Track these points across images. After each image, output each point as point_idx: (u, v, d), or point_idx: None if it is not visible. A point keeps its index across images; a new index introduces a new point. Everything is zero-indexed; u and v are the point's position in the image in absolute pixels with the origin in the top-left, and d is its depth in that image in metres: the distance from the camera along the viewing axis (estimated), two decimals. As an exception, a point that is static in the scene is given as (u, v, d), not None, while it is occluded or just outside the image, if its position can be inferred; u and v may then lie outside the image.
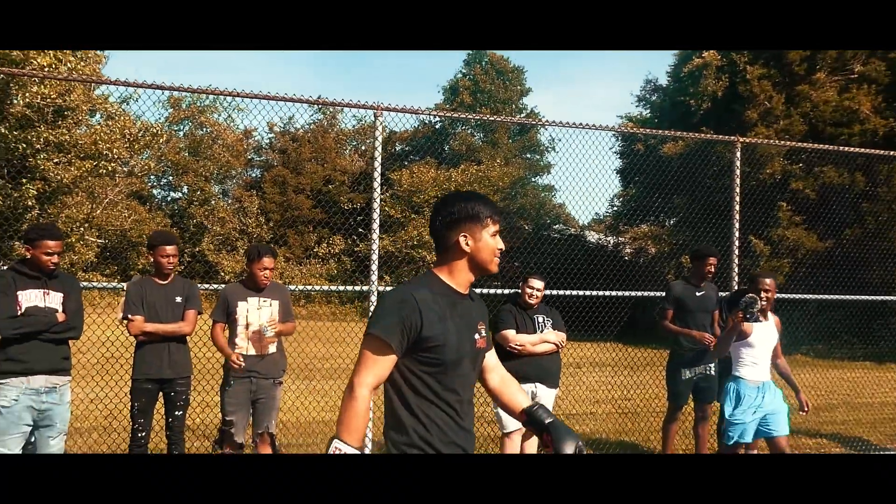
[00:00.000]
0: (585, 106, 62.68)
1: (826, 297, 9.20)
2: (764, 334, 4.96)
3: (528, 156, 34.06)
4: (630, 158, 24.44)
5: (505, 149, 32.54)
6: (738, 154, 6.32)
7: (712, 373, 5.84)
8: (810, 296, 8.72)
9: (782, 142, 8.95)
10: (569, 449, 2.25)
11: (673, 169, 16.67)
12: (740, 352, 4.97)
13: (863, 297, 9.25)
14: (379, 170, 5.79)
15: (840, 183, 17.14)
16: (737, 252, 6.33)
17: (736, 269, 6.28)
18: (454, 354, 2.27)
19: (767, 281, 5.00)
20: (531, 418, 2.43)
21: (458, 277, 2.36)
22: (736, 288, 6.30)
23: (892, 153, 9.65)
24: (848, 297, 8.89)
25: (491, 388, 2.57)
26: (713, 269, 5.73)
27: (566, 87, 64.82)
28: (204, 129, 32.61)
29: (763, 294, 4.89)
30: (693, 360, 5.80)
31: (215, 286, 5.92)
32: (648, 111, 26.51)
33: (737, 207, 6.22)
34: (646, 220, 23.85)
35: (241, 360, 4.85)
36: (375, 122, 5.79)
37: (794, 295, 8.17)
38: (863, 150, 11.11)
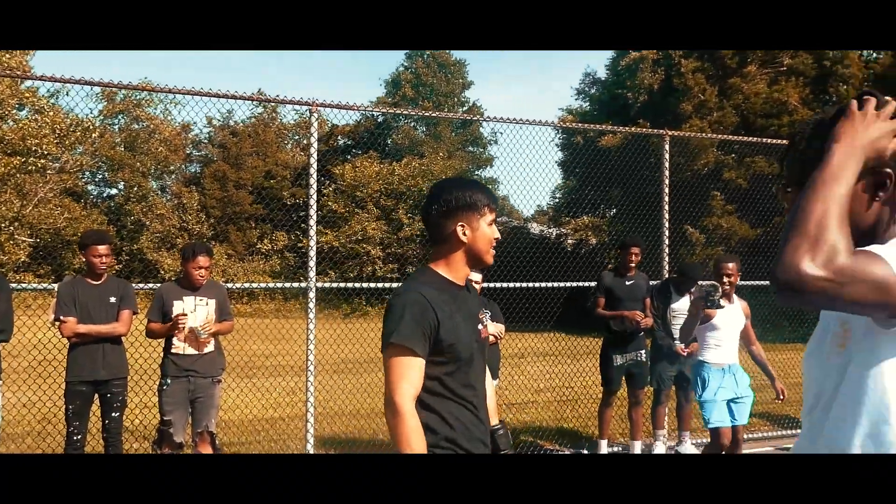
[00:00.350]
0: (527, 98, 63.29)
1: (758, 282, 9.53)
2: (728, 317, 4.95)
3: (471, 149, 34.23)
4: (570, 151, 24.82)
5: (448, 142, 32.64)
6: (667, 147, 6.52)
7: (643, 359, 6.03)
8: (743, 282, 9.01)
9: (713, 134, 9.15)
10: None
11: (611, 161, 17.05)
12: (704, 335, 5.01)
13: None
14: (315, 167, 5.78)
15: (770, 172, 17.73)
16: (667, 241, 6.53)
17: (666, 259, 6.49)
18: (467, 350, 2.21)
19: (730, 265, 4.98)
20: (492, 438, 2.42)
21: (457, 270, 2.28)
22: (666, 276, 6.50)
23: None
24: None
25: None
26: (636, 259, 5.91)
27: (508, 79, 65.33)
28: (140, 124, 31.79)
29: (725, 279, 4.89)
30: (624, 347, 5.97)
31: (154, 285, 5.84)
32: (588, 104, 26.95)
33: (666, 199, 6.42)
34: (586, 212, 24.27)
35: (185, 318, 4.79)
36: (311, 118, 5.78)
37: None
38: (783, 141, 11.52)
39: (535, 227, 29.37)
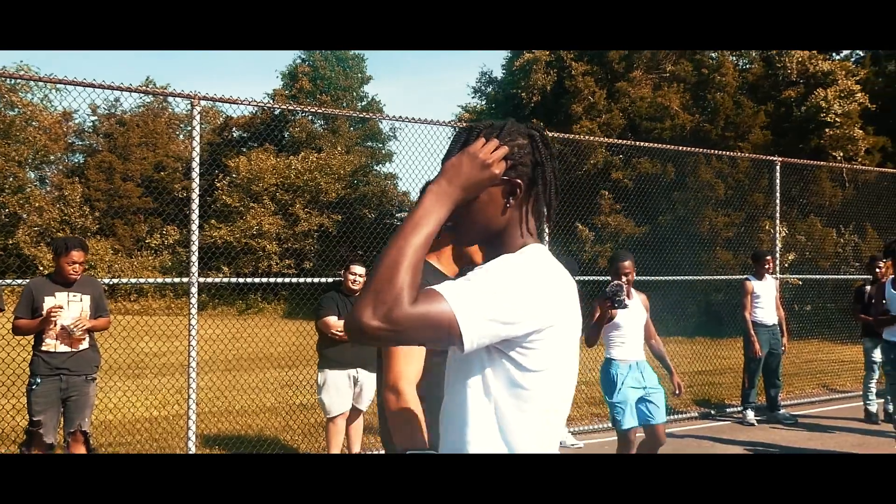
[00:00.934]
0: (427, 93, 63.61)
1: (643, 278, 10.04)
2: (629, 313, 4.86)
3: (370, 144, 34.14)
4: (468, 148, 25.20)
5: (346, 137, 32.43)
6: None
7: None
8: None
9: (591, 137, 9.45)
10: None
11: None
12: (609, 334, 4.91)
13: (675, 277, 10.19)
14: (197, 160, 5.68)
15: (654, 173, 18.62)
16: (547, 238, 6.83)
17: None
18: None
19: (626, 263, 4.86)
20: None
21: (446, 262, 2.27)
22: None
23: (696, 149, 10.73)
24: (662, 277, 9.72)
25: None
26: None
27: (407, 75, 65.45)
28: (15, 110, 29.90)
29: (623, 277, 4.79)
30: None
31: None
32: (484, 102, 27.42)
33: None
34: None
35: (58, 310, 4.63)
36: (193, 111, 5.67)
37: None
38: (666, 146, 12.14)
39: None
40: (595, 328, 4.76)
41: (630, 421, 4.73)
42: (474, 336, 1.23)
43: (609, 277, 4.94)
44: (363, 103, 35.81)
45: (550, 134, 7.81)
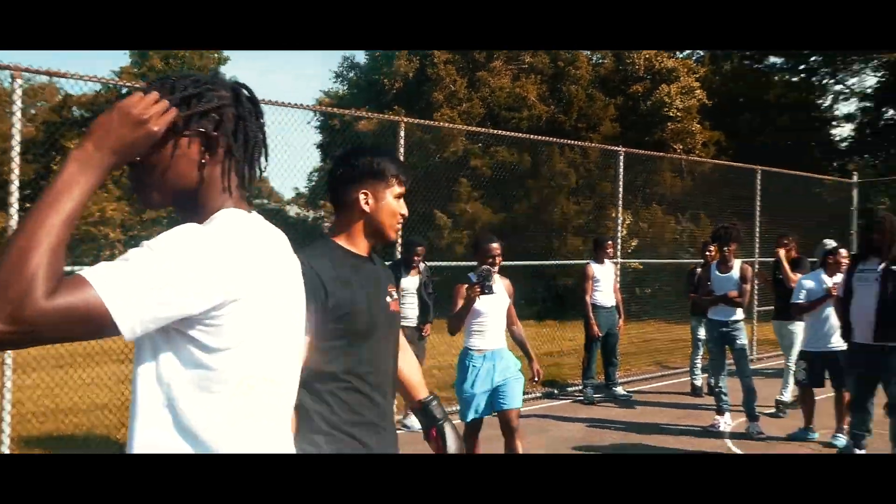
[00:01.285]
0: (287, 77, 62.08)
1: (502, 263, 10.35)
2: (492, 300, 4.61)
3: (228, 127, 32.80)
4: (328, 133, 24.86)
5: (201, 118, 30.97)
6: (402, 133, 6.86)
7: None
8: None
9: (444, 123, 9.49)
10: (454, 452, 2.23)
11: (367, 146, 17.38)
12: (468, 322, 4.65)
13: (527, 262, 10.56)
14: (18, 138, 5.22)
15: (511, 162, 19.13)
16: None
17: (399, 240, 6.74)
18: (364, 322, 2.04)
19: (494, 246, 4.61)
20: (425, 410, 2.29)
21: (356, 241, 2.12)
22: (399, 256, 6.77)
23: (550, 139, 11.16)
24: (517, 262, 10.07)
25: None
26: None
27: (266, 57, 63.53)
28: None
29: (490, 260, 4.53)
30: None
31: None
32: (346, 87, 27.09)
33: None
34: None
35: None
36: (13, 84, 5.20)
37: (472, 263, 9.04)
38: (519, 134, 12.46)
39: (292, 210, 29.07)
40: (459, 315, 4.51)
41: (472, 413, 4.61)
42: (134, 323, 1.07)
43: (476, 263, 4.64)
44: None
45: (412, 121, 7.80)
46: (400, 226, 2.15)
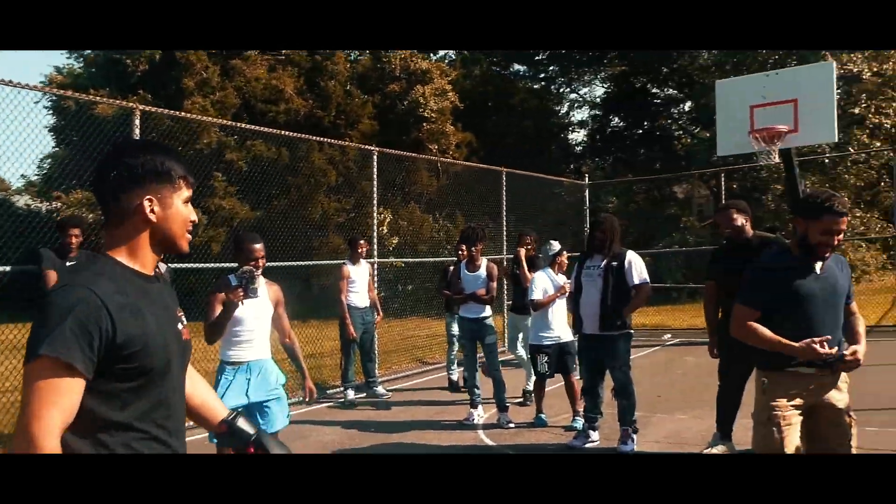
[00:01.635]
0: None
1: (272, 263, 9.91)
2: (254, 306, 4.15)
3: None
4: (62, 115, 22.32)
5: None
6: (138, 122, 6.21)
7: None
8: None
9: (179, 112, 8.73)
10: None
11: (107, 131, 15.76)
12: (227, 330, 4.14)
13: (289, 262, 10.20)
14: None
15: (269, 157, 18.51)
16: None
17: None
18: (161, 358, 1.68)
19: (257, 246, 4.16)
20: (232, 430, 2.00)
21: (142, 257, 1.74)
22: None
23: (307, 136, 10.90)
24: (278, 263, 9.70)
25: None
26: (77, 240, 5.63)
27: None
28: None
29: (254, 262, 4.09)
30: None
31: None
32: (83, 65, 24.51)
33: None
34: (82, 185, 22.14)
35: None
36: None
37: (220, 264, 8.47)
38: (281, 131, 12.05)
39: (21, 200, 25.75)
40: (219, 322, 4.01)
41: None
42: None
43: (236, 264, 4.16)
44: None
45: (150, 109, 7.08)
46: (190, 234, 1.83)
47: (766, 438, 3.22)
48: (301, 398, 7.37)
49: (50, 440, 1.50)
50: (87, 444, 1.59)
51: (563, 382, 6.59)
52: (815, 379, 3.22)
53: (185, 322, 1.85)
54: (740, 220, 5.23)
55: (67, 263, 5.57)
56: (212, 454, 1.81)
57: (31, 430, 1.49)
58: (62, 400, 1.52)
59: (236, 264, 4.20)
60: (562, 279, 6.60)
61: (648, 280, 5.58)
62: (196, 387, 2.03)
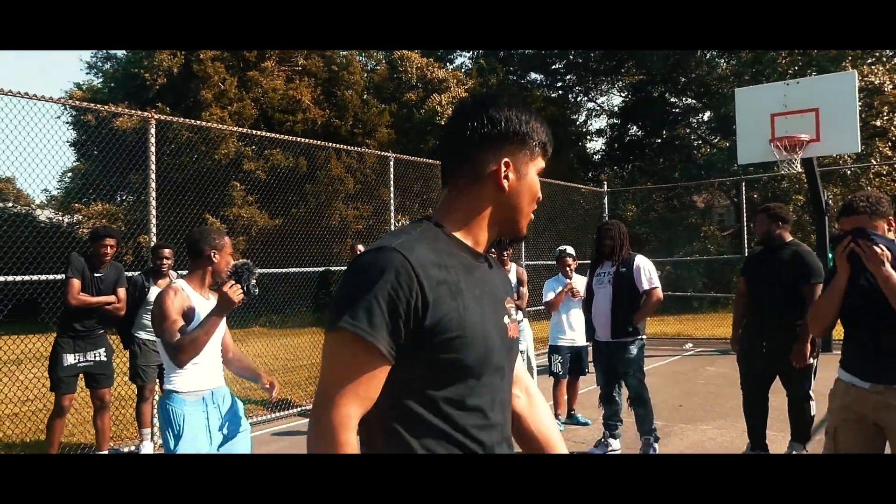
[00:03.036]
0: (29, 66, 55.78)
1: (279, 270, 10.04)
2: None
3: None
4: (82, 130, 22.59)
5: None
6: (153, 131, 6.19)
7: (103, 358, 5.57)
8: (264, 270, 9.17)
9: (194, 121, 8.74)
10: None
11: (128, 144, 15.94)
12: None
13: (309, 269, 10.30)
14: None
15: (287, 166, 18.60)
16: (154, 230, 6.19)
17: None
18: (480, 349, 1.34)
19: (225, 239, 3.46)
20: None
21: (478, 232, 1.45)
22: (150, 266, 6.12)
23: (327, 144, 10.89)
24: (296, 269, 9.86)
25: (514, 408, 1.60)
26: (111, 251, 5.50)
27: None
28: None
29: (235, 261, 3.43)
30: (78, 346, 5.46)
31: None
32: (101, 80, 24.83)
33: (153, 185, 6.09)
34: (102, 198, 22.38)
35: None
36: None
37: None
38: (298, 139, 12.12)
39: (43, 215, 26.06)
40: (202, 334, 3.18)
41: None
42: None
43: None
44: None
45: (165, 118, 7.09)
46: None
47: (825, 447, 3.13)
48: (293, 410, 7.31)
49: (343, 431, 1.25)
50: (394, 446, 1.32)
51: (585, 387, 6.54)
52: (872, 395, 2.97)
53: (516, 316, 1.51)
54: (766, 225, 5.13)
55: (96, 274, 5.52)
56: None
57: (325, 414, 1.26)
58: (360, 384, 1.27)
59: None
60: (577, 281, 6.57)
61: (659, 284, 5.49)
62: (535, 408, 1.64)
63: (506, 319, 1.44)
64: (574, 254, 6.85)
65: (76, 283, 5.38)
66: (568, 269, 6.73)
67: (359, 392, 1.27)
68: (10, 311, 6.98)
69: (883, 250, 2.84)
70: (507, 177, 1.43)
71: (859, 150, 9.23)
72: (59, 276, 5.83)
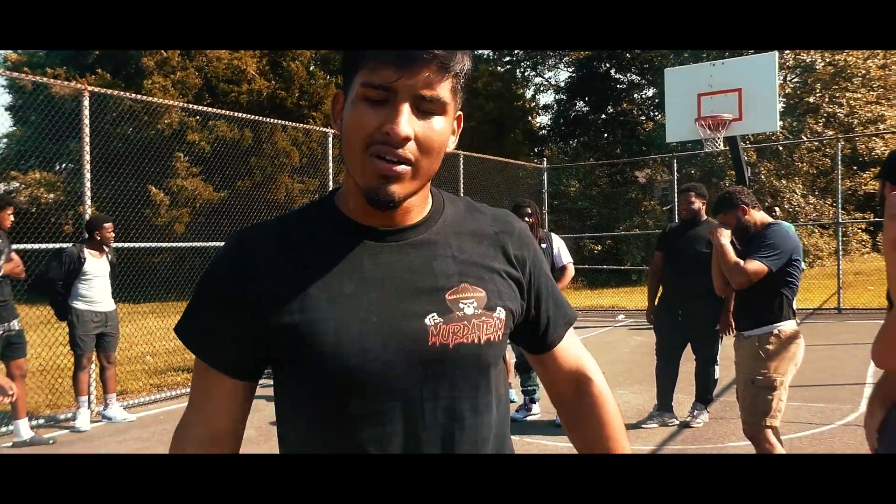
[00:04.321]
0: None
1: (222, 244, 10.05)
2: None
3: None
4: (19, 94, 21.95)
5: None
6: (87, 103, 6.23)
7: (19, 327, 5.56)
8: (208, 243, 9.16)
9: (131, 94, 8.58)
10: None
11: (67, 111, 15.61)
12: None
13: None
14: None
15: (232, 137, 18.43)
16: (89, 202, 6.25)
17: (88, 216, 6.15)
18: (337, 365, 1.00)
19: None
20: None
21: (348, 198, 1.09)
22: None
23: (270, 119, 10.93)
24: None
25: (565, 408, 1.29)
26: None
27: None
28: None
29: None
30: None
31: None
32: (39, 45, 24.07)
33: (87, 157, 6.15)
34: (40, 166, 21.84)
35: None
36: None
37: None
38: (243, 114, 12.04)
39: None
40: None
41: None
42: None
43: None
44: None
45: (113, 93, 7.06)
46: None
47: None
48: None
49: (183, 446, 1.08)
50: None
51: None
52: None
53: (463, 312, 1.05)
54: (698, 203, 5.53)
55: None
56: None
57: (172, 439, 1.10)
58: (196, 403, 1.09)
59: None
60: None
61: (571, 261, 5.91)
62: (585, 403, 1.27)
63: (428, 321, 1.03)
64: None
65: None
66: None
67: (194, 406, 1.09)
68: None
69: None
70: (338, 114, 1.05)
71: (777, 130, 9.67)
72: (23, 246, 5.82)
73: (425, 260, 1.07)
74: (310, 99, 21.03)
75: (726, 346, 5.16)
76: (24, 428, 5.51)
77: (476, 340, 1.05)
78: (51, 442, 5.57)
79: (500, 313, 1.08)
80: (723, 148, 9.17)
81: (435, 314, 1.03)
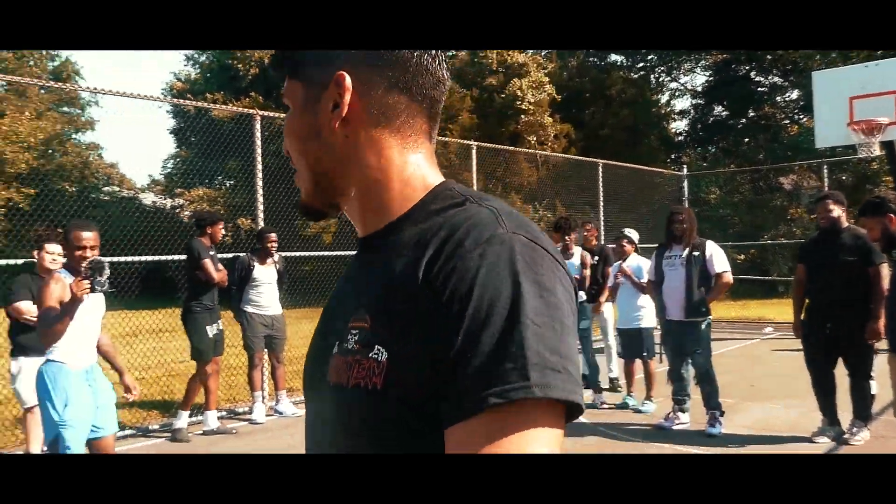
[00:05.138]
0: (134, 54, 58.61)
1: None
2: (91, 306, 3.83)
3: (67, 109, 30.68)
4: (182, 118, 23.99)
5: (36, 100, 28.82)
6: (258, 126, 6.93)
7: (222, 328, 6.25)
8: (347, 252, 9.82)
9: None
10: None
11: (225, 132, 16.95)
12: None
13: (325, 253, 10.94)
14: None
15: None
16: (262, 214, 6.93)
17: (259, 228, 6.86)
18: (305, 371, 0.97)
19: (88, 235, 3.82)
20: None
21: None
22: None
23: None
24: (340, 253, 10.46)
25: None
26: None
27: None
28: None
29: (90, 253, 3.80)
30: (212, 318, 6.14)
31: None
32: (198, 71, 26.20)
33: (259, 174, 6.82)
34: (203, 183, 23.75)
35: None
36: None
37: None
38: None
39: (148, 198, 27.86)
40: (60, 319, 3.55)
41: (77, 445, 3.72)
42: None
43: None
44: (55, 63, 31.78)
45: (269, 114, 7.77)
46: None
47: None
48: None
49: None
50: None
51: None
52: None
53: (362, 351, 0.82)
54: (836, 210, 5.37)
55: (210, 254, 6.12)
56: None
57: None
58: None
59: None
60: (639, 263, 6.74)
61: (729, 269, 5.81)
62: None
63: (335, 348, 0.84)
64: (633, 237, 7.01)
65: (209, 262, 6.02)
66: (622, 251, 6.90)
67: None
68: (142, 288, 7.80)
69: None
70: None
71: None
72: (182, 257, 6.57)
73: (361, 274, 0.90)
74: (446, 111, 21.63)
75: (882, 361, 5.00)
76: (212, 418, 6.20)
77: (345, 383, 0.80)
78: (234, 432, 6.22)
79: (379, 354, 0.77)
80: (878, 153, 8.74)
81: (338, 343, 0.84)
